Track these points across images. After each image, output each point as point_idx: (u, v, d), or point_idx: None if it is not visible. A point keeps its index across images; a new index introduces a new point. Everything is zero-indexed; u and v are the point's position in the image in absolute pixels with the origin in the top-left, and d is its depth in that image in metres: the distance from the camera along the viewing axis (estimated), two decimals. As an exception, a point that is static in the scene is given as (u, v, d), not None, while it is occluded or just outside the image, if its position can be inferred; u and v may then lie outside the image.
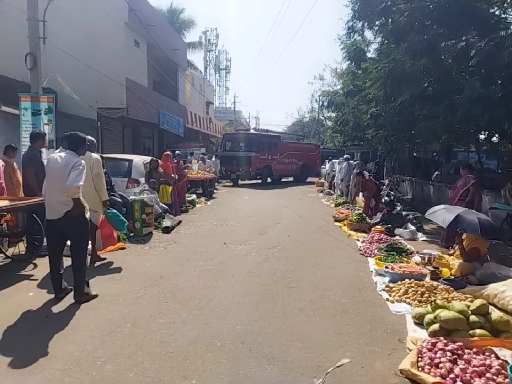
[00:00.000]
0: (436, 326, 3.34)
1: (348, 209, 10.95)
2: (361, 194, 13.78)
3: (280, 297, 4.40)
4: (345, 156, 15.79)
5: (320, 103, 34.28)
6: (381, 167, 17.58)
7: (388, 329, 3.59)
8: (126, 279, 4.91)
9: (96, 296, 4.23)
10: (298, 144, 27.53)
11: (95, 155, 5.78)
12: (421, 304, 4.10)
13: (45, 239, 5.61)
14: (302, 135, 36.11)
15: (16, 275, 4.99)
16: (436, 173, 16.63)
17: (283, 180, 23.58)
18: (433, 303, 3.67)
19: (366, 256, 6.30)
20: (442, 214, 4.98)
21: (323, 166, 25.70)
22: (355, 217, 8.75)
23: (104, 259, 5.76)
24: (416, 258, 5.63)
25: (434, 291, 4.34)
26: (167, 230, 7.96)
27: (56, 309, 3.92)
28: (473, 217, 4.79)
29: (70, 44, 12.65)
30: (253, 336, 3.39)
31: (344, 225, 9.13)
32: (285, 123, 61.77)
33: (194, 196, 12.51)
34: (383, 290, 4.60)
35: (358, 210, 10.37)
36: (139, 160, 9.52)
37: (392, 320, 3.80)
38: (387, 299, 4.31)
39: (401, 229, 8.03)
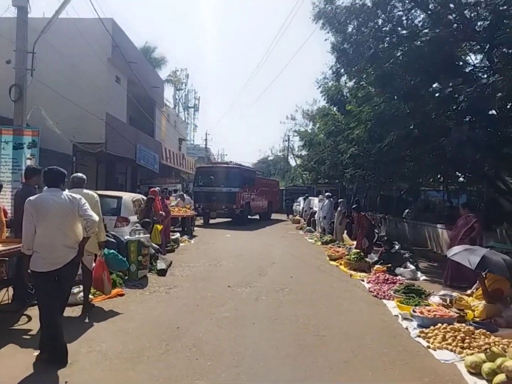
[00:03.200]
0: (502, 377, 3.17)
1: (339, 247, 10.88)
2: (345, 231, 13.91)
3: (316, 348, 4.09)
4: (326, 194, 15.96)
5: (299, 142, 34.60)
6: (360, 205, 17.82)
7: (446, 382, 3.37)
8: (139, 331, 4.40)
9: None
10: (266, 180, 26.88)
11: (95, 194, 5.42)
12: (464, 350, 3.95)
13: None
14: (261, 171, 34.60)
15: (10, 330, 4.35)
16: (406, 210, 17.11)
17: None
18: (488, 350, 3.52)
19: (380, 298, 6.14)
20: (466, 255, 4.96)
21: (296, 203, 25.84)
22: (353, 256, 8.66)
23: (93, 305, 5.21)
24: (436, 299, 5.53)
25: (473, 336, 4.21)
26: (163, 272, 7.44)
27: (72, 371, 3.38)
28: (498, 258, 4.80)
29: (52, 77, 12.20)
30: (311, 397, 3.06)
31: (341, 264, 9.00)
32: (251, 160, 62.42)
33: (178, 235, 12.00)
34: (419, 336, 4.41)
35: (350, 248, 10.31)
36: (128, 197, 9.05)
37: (445, 371, 3.59)
38: (428, 347, 4.11)
39: (401, 269, 7.99)
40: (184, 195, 16.90)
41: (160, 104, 23.45)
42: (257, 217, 22.86)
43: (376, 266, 8.21)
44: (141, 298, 5.82)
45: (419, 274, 8.00)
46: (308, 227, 17.23)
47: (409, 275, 7.74)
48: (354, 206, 11.38)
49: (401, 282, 6.94)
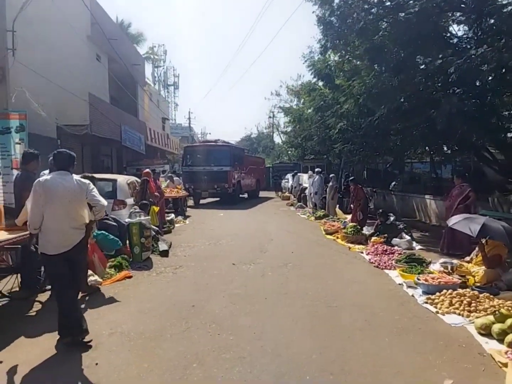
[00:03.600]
0: (512, 336, 3.36)
1: (334, 221, 11.09)
2: (338, 206, 14.14)
3: (330, 318, 4.24)
4: (316, 169, 16.05)
5: (284, 119, 34.30)
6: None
7: (460, 343, 3.56)
8: (156, 311, 4.46)
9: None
10: (253, 158, 26.73)
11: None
12: (471, 313, 4.16)
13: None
14: (247, 149, 34.10)
15: (26, 317, 4.34)
16: (393, 183, 17.42)
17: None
18: (497, 312, 3.72)
19: (382, 269, 6.34)
20: (466, 224, 5.15)
21: (285, 180, 25.95)
22: (350, 230, 8.85)
23: (98, 289, 5.21)
24: (436, 267, 5.75)
25: (478, 300, 4.43)
26: (166, 253, 7.46)
27: (99, 353, 3.42)
28: (497, 225, 5.01)
29: (31, 57, 11.66)
30: (336, 365, 3.19)
31: (338, 237, 9.20)
32: (234, 138, 61.85)
33: (172, 216, 11.98)
34: (426, 302, 4.61)
35: (345, 222, 10.51)
36: (123, 180, 8.93)
37: (457, 333, 3.79)
38: (437, 312, 4.31)
39: (397, 239, 8.23)
40: (173, 176, 16.71)
41: (141, 82, 22.84)
42: (245, 195, 22.69)
43: (373, 238, 8.42)
44: (150, 280, 5.86)
45: (414, 243, 8.25)
46: (299, 203, 17.39)
47: (405, 245, 7.98)
48: (351, 178, 11.54)
49: (399, 252, 7.17)
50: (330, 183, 13.73)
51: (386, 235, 8.42)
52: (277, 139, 44.87)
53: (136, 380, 2.99)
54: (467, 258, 5.92)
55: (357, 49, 11.65)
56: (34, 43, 11.94)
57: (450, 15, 10.54)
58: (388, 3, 10.81)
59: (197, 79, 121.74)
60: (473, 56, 8.23)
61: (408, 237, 8.36)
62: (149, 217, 7.81)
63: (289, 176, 24.33)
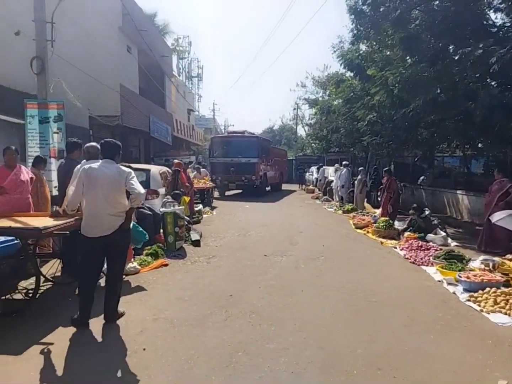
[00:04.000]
0: None
1: (363, 215, 10.94)
2: (366, 200, 13.93)
3: (371, 313, 4.19)
4: (344, 162, 15.84)
5: (309, 111, 33.91)
6: (380, 173, 17.64)
7: (510, 343, 3.45)
8: (196, 299, 4.52)
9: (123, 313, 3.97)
10: (277, 150, 26.41)
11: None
12: (518, 313, 4.03)
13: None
14: (271, 141, 33.28)
15: (70, 301, 4.46)
16: (422, 177, 16.95)
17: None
18: (548, 313, 3.58)
19: (418, 265, 6.21)
20: (511, 221, 4.97)
21: (309, 173, 25.71)
22: (382, 224, 8.70)
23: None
24: (477, 264, 5.58)
25: (525, 299, 4.28)
26: (198, 243, 7.55)
27: (145, 338, 3.50)
28: (546, 222, 4.81)
29: (66, 48, 11.91)
30: (383, 360, 3.15)
31: (368, 232, 9.08)
32: (256, 130, 61.75)
33: (200, 206, 12.09)
34: (468, 300, 4.49)
35: (375, 216, 10.34)
36: (156, 170, 9.05)
37: (505, 333, 3.68)
38: (481, 310, 4.19)
39: (432, 235, 8.03)
40: (200, 167, 16.82)
41: (169, 73, 22.99)
42: (268, 188, 22.28)
43: (407, 233, 8.25)
44: (185, 268, 5.94)
45: (449, 240, 8.05)
46: (325, 197, 17.22)
47: (440, 241, 7.78)
48: (386, 168, 11.35)
49: (436, 248, 7.00)
50: (359, 177, 13.52)
51: (419, 231, 8.22)
52: (301, 131, 44.50)
53: (185, 366, 3.04)
54: (509, 256, 5.71)
55: (390, 39, 11.37)
56: (70, 34, 12.19)
57: (486, 1, 10.11)
58: None
59: (220, 70, 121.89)
60: (515, 44, 7.89)
61: (443, 233, 8.15)
62: (183, 207, 7.89)
63: (313, 169, 24.11)
